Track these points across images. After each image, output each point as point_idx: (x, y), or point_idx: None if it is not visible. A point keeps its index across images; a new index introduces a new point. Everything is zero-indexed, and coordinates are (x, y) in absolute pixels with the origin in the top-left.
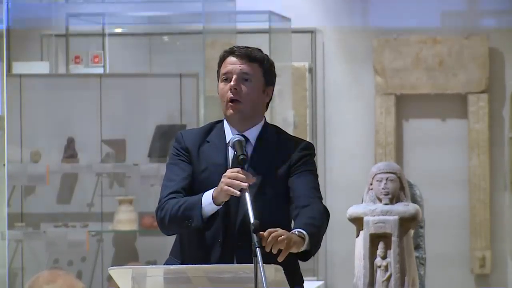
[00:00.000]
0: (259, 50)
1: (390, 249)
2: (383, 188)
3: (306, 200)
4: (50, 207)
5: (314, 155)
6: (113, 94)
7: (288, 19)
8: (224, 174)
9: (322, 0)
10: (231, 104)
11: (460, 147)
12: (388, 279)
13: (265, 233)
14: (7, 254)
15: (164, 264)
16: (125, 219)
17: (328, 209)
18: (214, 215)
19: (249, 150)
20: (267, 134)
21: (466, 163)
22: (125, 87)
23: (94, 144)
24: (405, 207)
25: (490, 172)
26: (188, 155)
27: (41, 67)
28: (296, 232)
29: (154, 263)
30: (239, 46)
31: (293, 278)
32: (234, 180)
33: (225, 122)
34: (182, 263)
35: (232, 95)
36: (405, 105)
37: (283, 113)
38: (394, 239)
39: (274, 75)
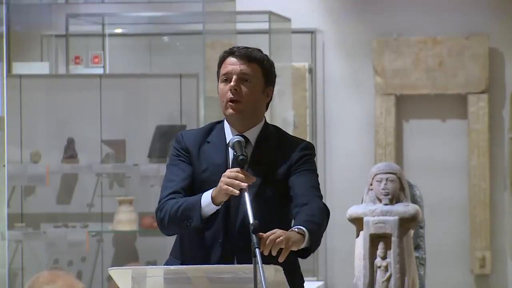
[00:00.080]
0: (259, 50)
1: (390, 249)
2: (383, 189)
3: (306, 198)
4: (50, 208)
5: (314, 155)
6: (113, 95)
7: (288, 19)
8: (224, 174)
9: (322, 0)
10: (231, 103)
11: (460, 147)
12: (388, 279)
13: (263, 237)
14: (7, 254)
15: (164, 265)
16: (125, 220)
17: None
18: (214, 215)
19: (249, 150)
20: (267, 134)
21: (466, 163)
22: (125, 87)
23: (94, 145)
24: (405, 208)
25: (490, 172)
26: (188, 156)
27: (41, 68)
28: (296, 229)
29: (154, 263)
30: (239, 47)
31: (293, 278)
32: (234, 180)
33: (225, 122)
34: (182, 264)
35: (232, 96)
36: (405, 105)
37: (283, 113)
38: (394, 239)
39: (274, 75)
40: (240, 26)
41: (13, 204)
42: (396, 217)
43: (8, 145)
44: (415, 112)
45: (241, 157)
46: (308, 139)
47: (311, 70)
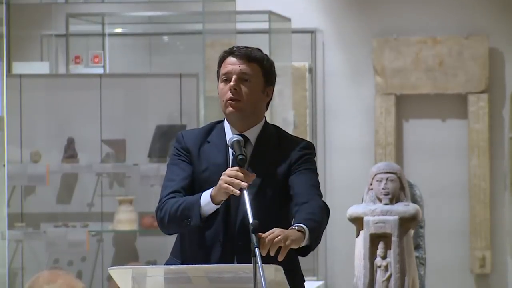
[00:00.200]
0: (259, 50)
1: (390, 249)
2: (383, 188)
3: (306, 197)
4: (50, 207)
5: (315, 154)
6: (113, 94)
7: (288, 19)
8: (224, 173)
9: (322, 0)
10: (231, 102)
11: (460, 147)
12: (388, 279)
13: (262, 238)
14: (7, 254)
15: (164, 264)
16: (125, 219)
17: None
18: (215, 214)
19: (249, 150)
20: (267, 134)
21: (466, 163)
22: (125, 87)
23: (94, 144)
24: (405, 207)
25: (490, 173)
26: (188, 155)
27: (41, 67)
28: (296, 227)
29: (154, 263)
30: (238, 46)
31: (294, 278)
32: (234, 179)
33: (225, 122)
34: (182, 263)
35: (232, 96)
36: (405, 105)
37: (283, 113)
38: (394, 239)
39: (274, 75)
40: (240, 26)
41: (13, 204)
42: (396, 217)
43: (8, 145)
44: (415, 112)
45: (240, 157)
46: (308, 139)
47: (311, 70)
